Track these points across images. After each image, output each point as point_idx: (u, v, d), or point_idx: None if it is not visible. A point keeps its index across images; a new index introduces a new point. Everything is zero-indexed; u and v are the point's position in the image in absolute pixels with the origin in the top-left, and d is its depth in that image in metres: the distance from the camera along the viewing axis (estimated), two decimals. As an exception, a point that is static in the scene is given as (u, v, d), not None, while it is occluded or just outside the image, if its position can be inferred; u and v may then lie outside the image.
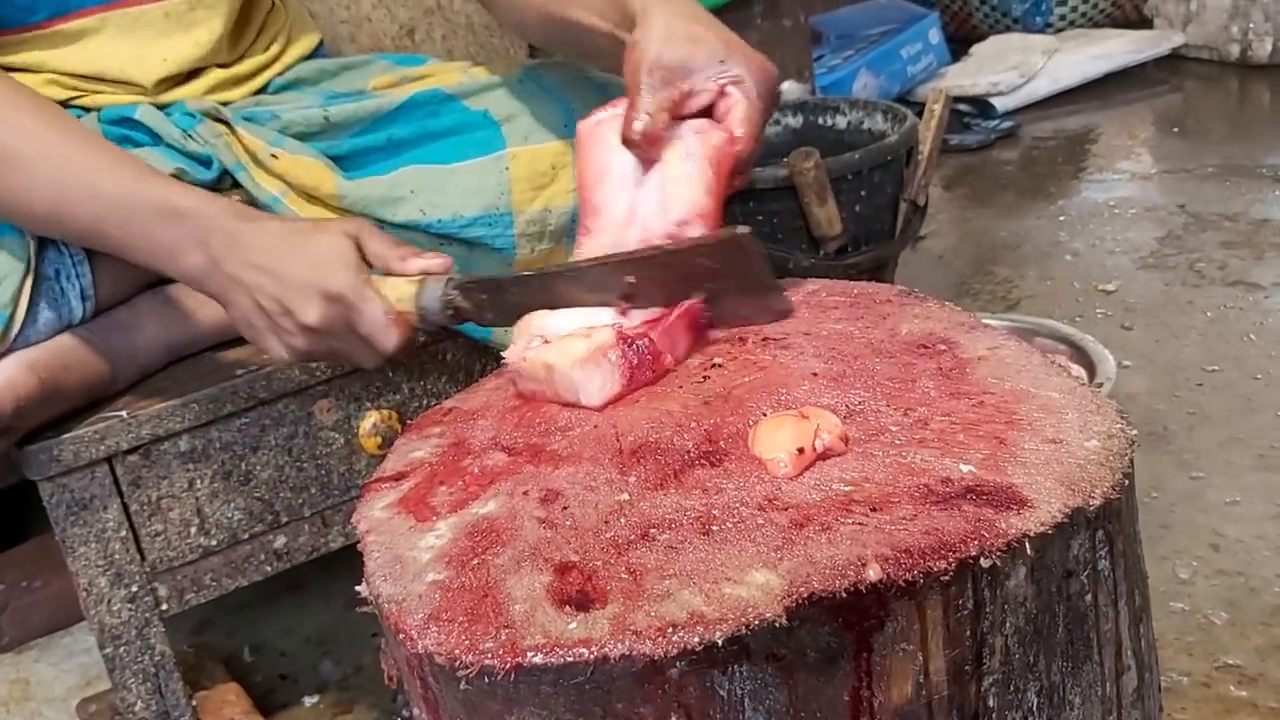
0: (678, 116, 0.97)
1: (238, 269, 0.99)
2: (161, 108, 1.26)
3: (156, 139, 1.24)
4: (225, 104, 1.30)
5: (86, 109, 1.27)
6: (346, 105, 1.27)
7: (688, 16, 0.99)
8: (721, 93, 0.97)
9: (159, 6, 1.26)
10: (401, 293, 1.00)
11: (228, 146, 1.23)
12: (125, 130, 1.24)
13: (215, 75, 1.32)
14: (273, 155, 1.21)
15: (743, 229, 0.92)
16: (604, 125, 1.01)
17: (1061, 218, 2.70)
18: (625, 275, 0.93)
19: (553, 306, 0.96)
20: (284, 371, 1.20)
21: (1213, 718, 1.30)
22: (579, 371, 0.85)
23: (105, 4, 1.24)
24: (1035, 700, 0.72)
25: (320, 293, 0.98)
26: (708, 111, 0.98)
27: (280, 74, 1.38)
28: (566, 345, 0.88)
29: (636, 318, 0.94)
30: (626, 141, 0.97)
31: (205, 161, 1.23)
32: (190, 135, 1.23)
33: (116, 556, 1.16)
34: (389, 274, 1.02)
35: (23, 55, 1.24)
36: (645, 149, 0.97)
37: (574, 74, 1.29)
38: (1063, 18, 3.72)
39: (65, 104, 1.26)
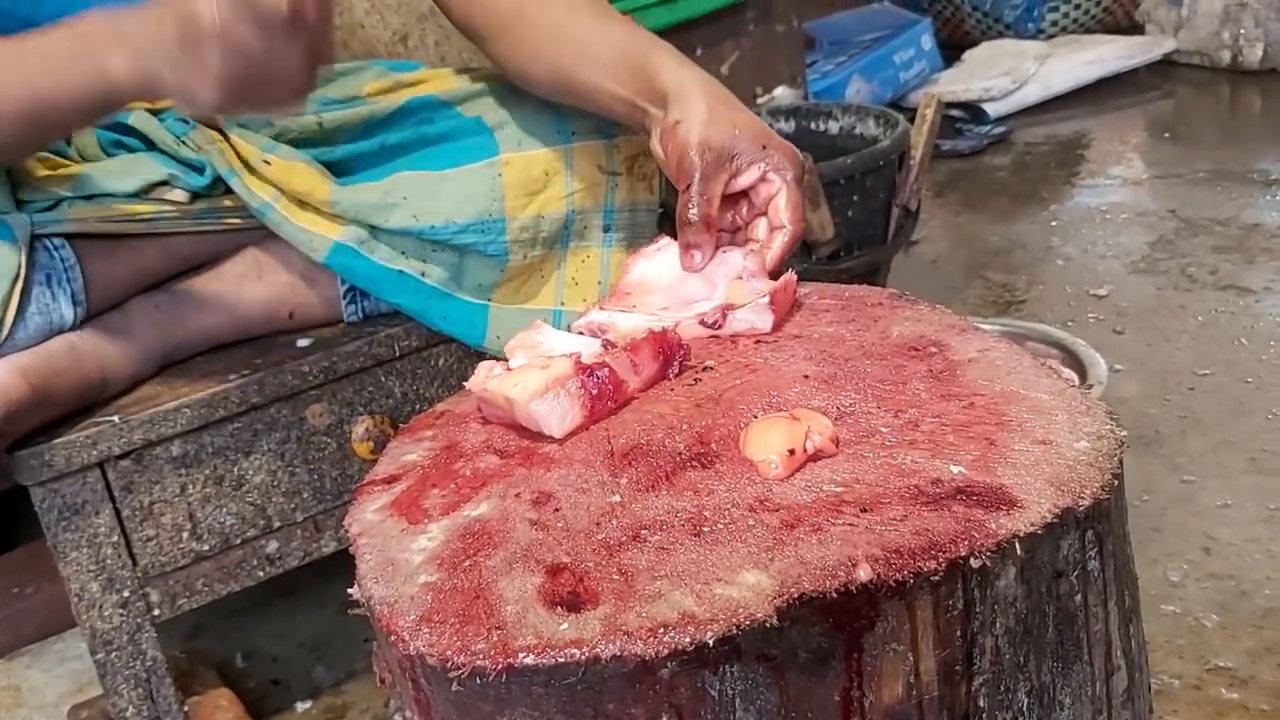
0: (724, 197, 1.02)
1: (146, 29, 0.96)
2: (155, 114, 1.26)
3: (150, 145, 1.24)
4: (218, 109, 1.30)
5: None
6: (340, 111, 1.27)
7: (724, 101, 1.04)
8: (763, 178, 1.02)
9: None
10: None
11: (220, 153, 1.23)
12: (118, 135, 1.25)
13: (208, 80, 1.32)
14: (265, 162, 1.21)
15: None
16: (646, 248, 1.06)
17: (1053, 223, 2.71)
18: None
19: None
20: (277, 376, 1.20)
21: (1204, 720, 1.31)
22: (537, 405, 0.85)
23: None
24: (1025, 700, 0.72)
25: None
26: (744, 194, 1.03)
27: (273, 79, 1.38)
28: (524, 377, 0.87)
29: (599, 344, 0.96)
30: (683, 224, 1.01)
31: (198, 168, 1.23)
32: (183, 141, 1.23)
33: (108, 562, 1.16)
34: None
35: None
36: (702, 234, 1.01)
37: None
38: (1055, 24, 3.73)
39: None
